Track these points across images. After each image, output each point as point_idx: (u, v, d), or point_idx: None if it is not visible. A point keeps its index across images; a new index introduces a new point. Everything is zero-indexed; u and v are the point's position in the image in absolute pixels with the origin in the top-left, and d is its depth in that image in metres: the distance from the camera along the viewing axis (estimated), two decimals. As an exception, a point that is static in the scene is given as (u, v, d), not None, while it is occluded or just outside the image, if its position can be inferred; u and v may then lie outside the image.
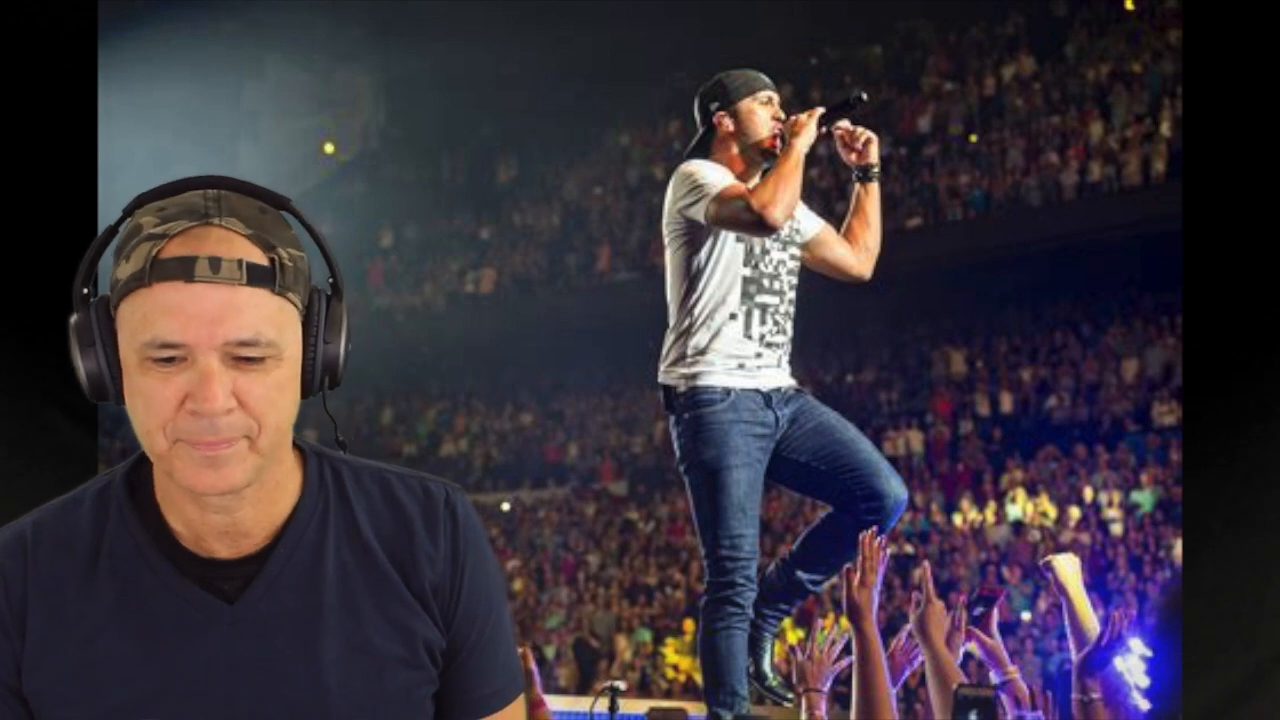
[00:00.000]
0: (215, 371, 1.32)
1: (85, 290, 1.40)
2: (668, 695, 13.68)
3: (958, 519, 15.91)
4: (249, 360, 1.33)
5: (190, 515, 1.41)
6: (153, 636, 1.40)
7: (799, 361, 4.03)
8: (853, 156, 4.00)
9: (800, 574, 3.98)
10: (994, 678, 3.20)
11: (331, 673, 1.42)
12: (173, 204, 1.37)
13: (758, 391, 3.85)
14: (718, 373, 3.83)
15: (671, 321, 3.93)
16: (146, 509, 1.44)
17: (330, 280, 1.44)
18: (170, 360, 1.32)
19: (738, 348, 3.85)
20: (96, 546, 1.43)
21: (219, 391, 1.32)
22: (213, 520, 1.41)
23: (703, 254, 3.85)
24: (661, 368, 3.93)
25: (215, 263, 1.32)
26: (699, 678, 4.42)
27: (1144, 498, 14.86)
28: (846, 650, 3.16)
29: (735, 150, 3.93)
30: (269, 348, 1.34)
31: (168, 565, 1.42)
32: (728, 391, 3.82)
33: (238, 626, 1.41)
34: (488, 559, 1.52)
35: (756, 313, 3.87)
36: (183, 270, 1.32)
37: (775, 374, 3.90)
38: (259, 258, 1.35)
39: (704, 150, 3.97)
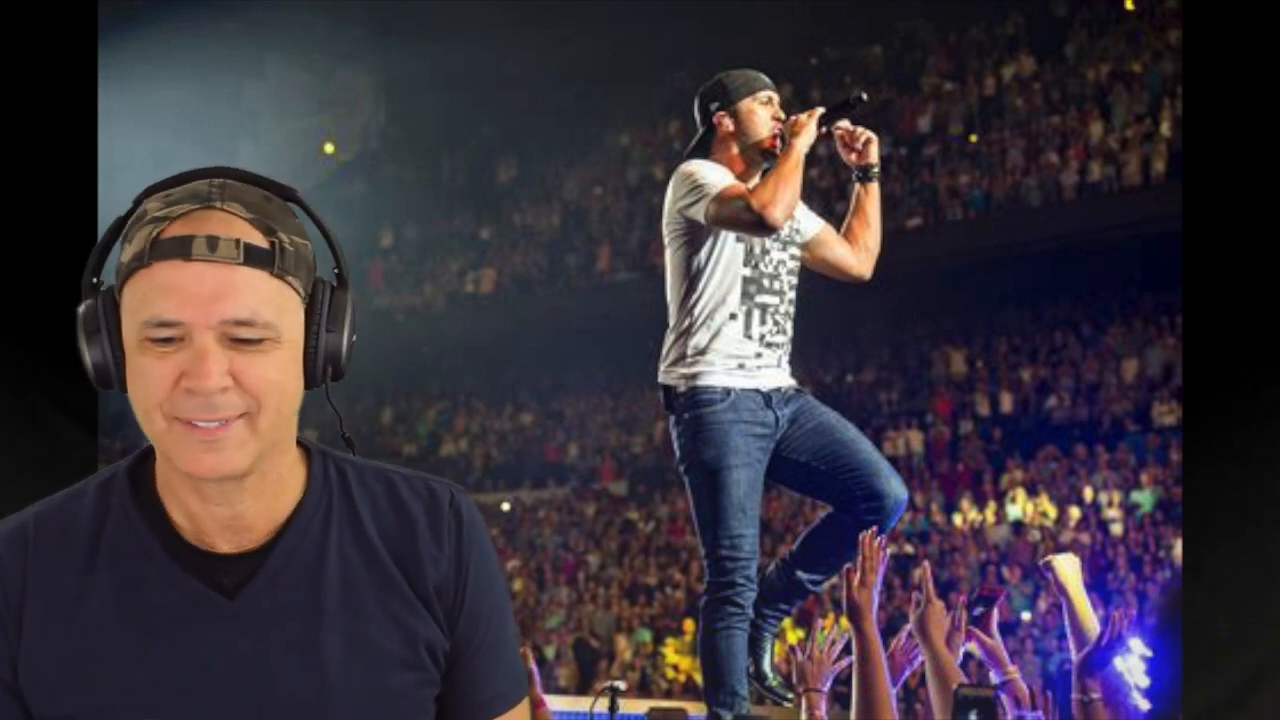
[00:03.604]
0: (211, 350, 1.32)
1: (95, 280, 1.40)
2: (668, 695, 13.68)
3: (958, 519, 15.91)
4: (246, 341, 1.33)
5: (192, 507, 1.40)
6: (151, 629, 1.39)
7: (799, 361, 4.03)
8: (853, 156, 4.00)
9: (800, 574, 3.98)
10: (994, 678, 3.20)
11: (332, 669, 1.40)
12: (178, 191, 1.38)
13: (758, 391, 3.85)
14: (718, 373, 3.83)
15: (671, 321, 3.93)
16: (148, 502, 1.43)
17: (336, 271, 1.44)
18: (168, 340, 1.32)
19: (738, 348, 3.85)
20: (97, 538, 1.42)
21: (213, 369, 1.32)
22: (214, 512, 1.40)
23: (703, 254, 3.85)
24: (661, 368, 3.93)
25: (213, 241, 1.33)
26: (699, 678, 4.42)
27: (1144, 498, 14.86)
28: (846, 650, 3.16)
29: (735, 150, 3.93)
30: (266, 329, 1.34)
31: (167, 558, 1.40)
32: (728, 391, 3.82)
33: (238, 621, 1.39)
34: (491, 561, 1.51)
35: (756, 313, 3.87)
36: (180, 249, 1.32)
37: (775, 374, 3.89)
38: (259, 240, 1.35)
39: (704, 150, 3.97)
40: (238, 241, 1.33)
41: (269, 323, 1.34)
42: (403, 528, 1.46)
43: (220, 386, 1.32)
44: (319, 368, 1.41)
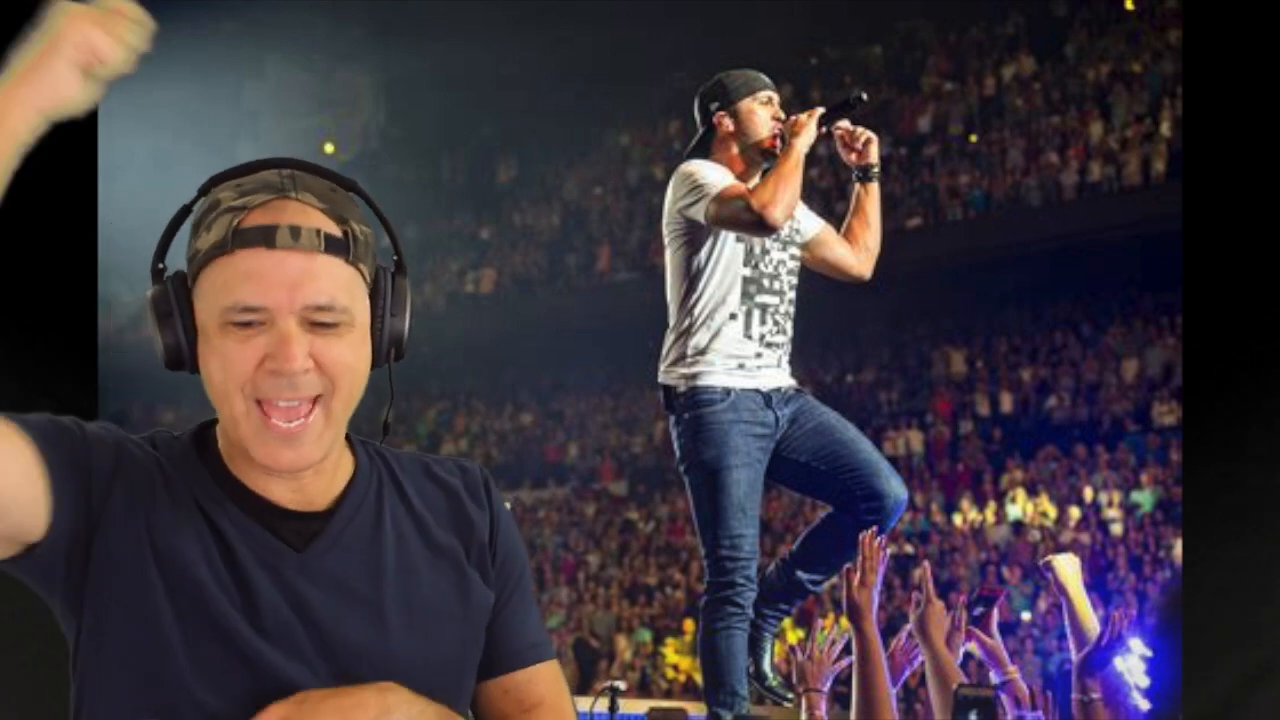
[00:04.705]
0: (294, 333, 1.39)
1: (160, 266, 1.47)
2: (668, 695, 13.68)
3: (958, 519, 15.91)
4: (325, 325, 1.41)
5: (254, 480, 1.48)
6: (230, 569, 1.43)
7: (799, 361, 4.03)
8: (853, 156, 4.00)
9: (800, 574, 3.98)
10: (994, 678, 3.21)
11: (394, 626, 1.48)
12: (248, 181, 1.45)
13: (758, 391, 3.85)
14: (718, 373, 3.83)
15: (671, 321, 3.93)
16: (214, 461, 1.49)
17: (395, 258, 1.53)
18: (250, 324, 1.39)
19: (738, 348, 3.85)
20: (173, 480, 1.46)
21: (298, 351, 1.39)
22: (277, 484, 1.48)
23: (703, 254, 3.85)
24: (661, 368, 3.93)
25: (295, 231, 1.40)
26: (699, 678, 4.42)
27: (1144, 498, 14.86)
28: (846, 650, 3.16)
29: (735, 150, 3.93)
30: (343, 313, 1.42)
31: (237, 509, 1.46)
32: (728, 391, 3.82)
33: (305, 573, 1.45)
34: (514, 524, 1.64)
35: (756, 313, 3.87)
36: (264, 237, 1.39)
37: (775, 374, 3.90)
38: (334, 229, 1.42)
39: (704, 150, 3.97)
40: (318, 231, 1.41)
41: (345, 307, 1.42)
42: (448, 498, 1.58)
43: (304, 368, 1.40)
44: (384, 349, 1.50)
